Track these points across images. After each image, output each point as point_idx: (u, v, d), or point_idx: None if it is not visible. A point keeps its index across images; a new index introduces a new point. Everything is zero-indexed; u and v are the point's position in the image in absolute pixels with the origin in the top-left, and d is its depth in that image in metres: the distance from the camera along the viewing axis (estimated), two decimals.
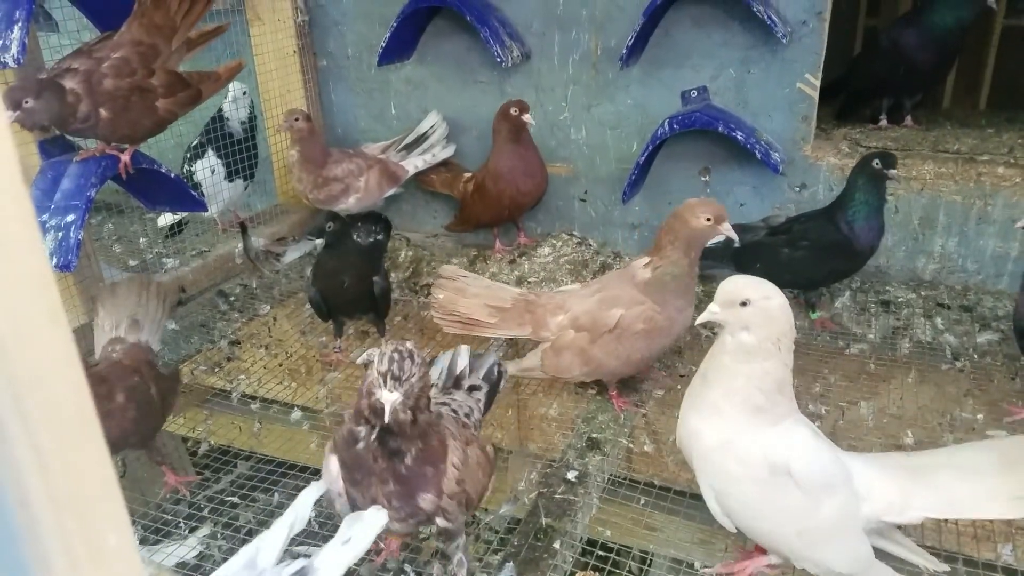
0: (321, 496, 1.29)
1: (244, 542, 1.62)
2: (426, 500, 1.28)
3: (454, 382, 1.62)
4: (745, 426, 1.35)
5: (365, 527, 1.18)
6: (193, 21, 2.20)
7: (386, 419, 1.16)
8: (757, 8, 2.32)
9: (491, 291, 2.08)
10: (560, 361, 1.97)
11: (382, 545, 1.60)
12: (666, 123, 2.52)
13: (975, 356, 2.27)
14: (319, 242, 2.27)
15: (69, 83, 1.98)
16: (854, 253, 2.26)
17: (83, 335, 2.41)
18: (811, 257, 2.29)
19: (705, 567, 1.57)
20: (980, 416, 2.00)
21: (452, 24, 2.86)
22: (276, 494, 1.87)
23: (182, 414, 2.19)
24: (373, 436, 1.23)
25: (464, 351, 1.67)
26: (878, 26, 3.86)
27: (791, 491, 1.32)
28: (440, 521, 1.32)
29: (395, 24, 2.73)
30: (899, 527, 1.45)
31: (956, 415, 2.01)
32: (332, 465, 1.30)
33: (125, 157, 2.21)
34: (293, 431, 2.12)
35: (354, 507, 1.30)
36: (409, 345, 1.20)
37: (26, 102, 1.88)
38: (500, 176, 2.75)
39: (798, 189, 2.65)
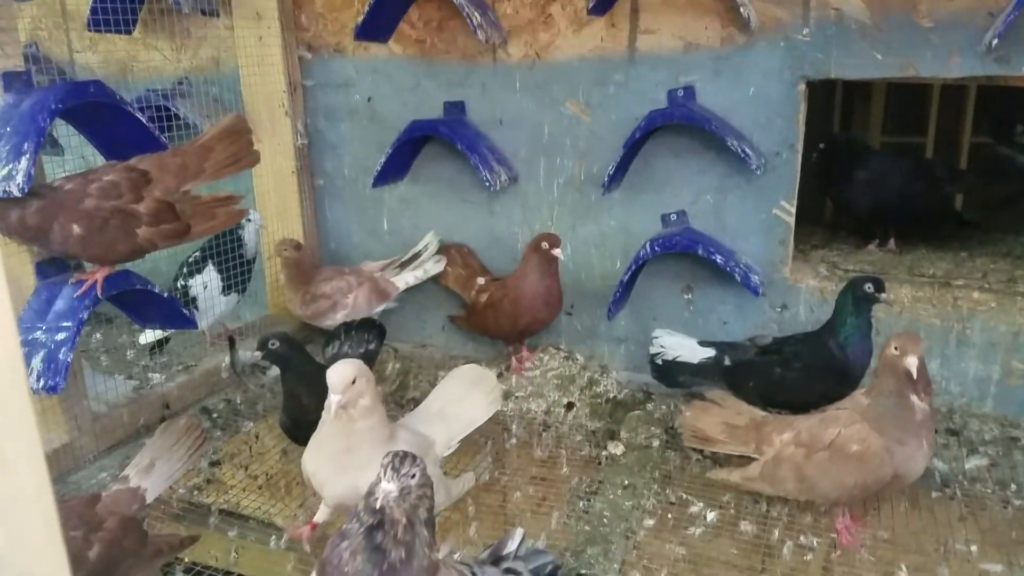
0: None
1: None
2: None
3: (493, 560, 1.60)
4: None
5: None
6: (221, 176, 2.28)
7: (389, 505, 1.26)
8: (731, 142, 2.44)
9: (734, 410, 2.20)
10: (777, 473, 2.00)
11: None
12: (648, 245, 2.60)
13: (965, 483, 2.25)
14: (256, 355, 2.17)
15: (38, 200, 2.01)
16: (848, 375, 2.28)
17: (64, 455, 2.39)
18: (805, 378, 2.33)
19: None
20: (974, 548, 1.96)
21: (444, 149, 2.99)
22: None
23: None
24: (361, 529, 1.28)
25: (517, 534, 1.66)
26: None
27: None
28: None
29: (390, 151, 2.87)
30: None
31: (950, 545, 1.97)
32: None
33: (99, 276, 2.18)
34: (271, 553, 2.06)
35: None
36: (411, 453, 1.31)
37: None
38: (520, 300, 2.75)
39: (779, 310, 2.70)
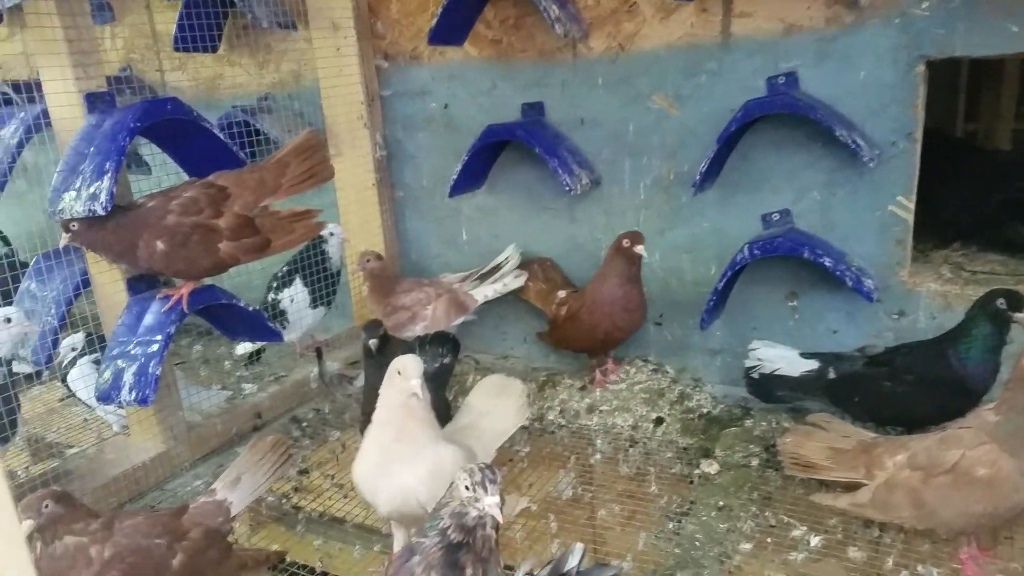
0: None
1: None
2: None
3: None
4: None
5: None
6: (298, 191, 2.29)
7: (500, 518, 1.23)
8: (840, 132, 2.20)
9: (839, 433, 2.04)
10: (890, 499, 1.82)
11: None
12: (746, 248, 2.39)
13: None
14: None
15: (122, 218, 2.07)
16: (966, 391, 2.02)
17: (161, 463, 2.46)
18: (917, 393, 2.09)
19: None
20: None
21: (522, 154, 2.89)
22: None
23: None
24: (441, 545, 1.24)
25: (578, 550, 1.60)
26: None
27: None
28: None
29: (465, 158, 2.78)
30: None
31: None
32: None
33: (184, 291, 2.22)
34: (356, 561, 2.06)
35: None
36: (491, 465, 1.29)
37: (73, 226, 2.05)
38: (598, 307, 2.62)
39: (896, 316, 2.42)
